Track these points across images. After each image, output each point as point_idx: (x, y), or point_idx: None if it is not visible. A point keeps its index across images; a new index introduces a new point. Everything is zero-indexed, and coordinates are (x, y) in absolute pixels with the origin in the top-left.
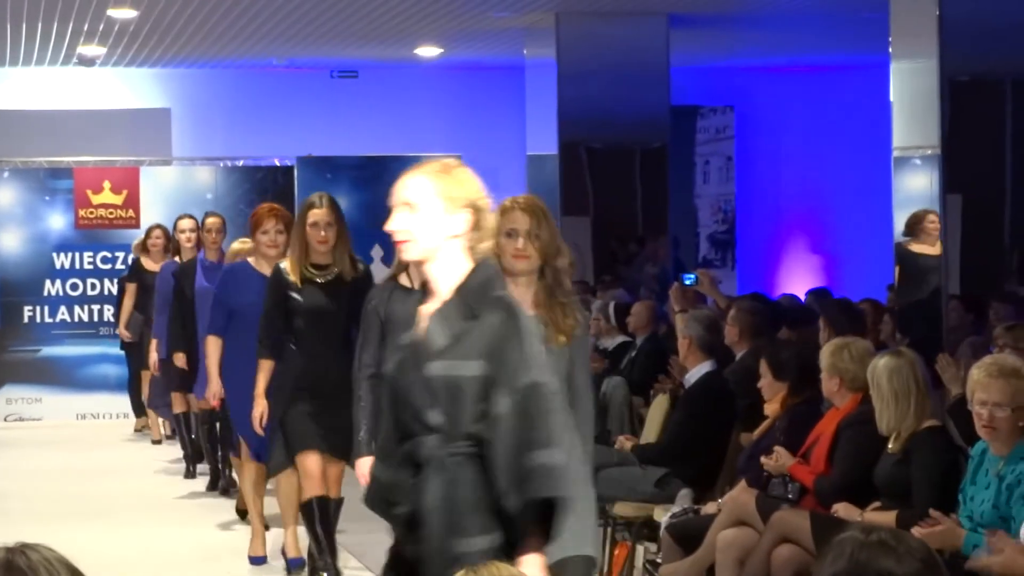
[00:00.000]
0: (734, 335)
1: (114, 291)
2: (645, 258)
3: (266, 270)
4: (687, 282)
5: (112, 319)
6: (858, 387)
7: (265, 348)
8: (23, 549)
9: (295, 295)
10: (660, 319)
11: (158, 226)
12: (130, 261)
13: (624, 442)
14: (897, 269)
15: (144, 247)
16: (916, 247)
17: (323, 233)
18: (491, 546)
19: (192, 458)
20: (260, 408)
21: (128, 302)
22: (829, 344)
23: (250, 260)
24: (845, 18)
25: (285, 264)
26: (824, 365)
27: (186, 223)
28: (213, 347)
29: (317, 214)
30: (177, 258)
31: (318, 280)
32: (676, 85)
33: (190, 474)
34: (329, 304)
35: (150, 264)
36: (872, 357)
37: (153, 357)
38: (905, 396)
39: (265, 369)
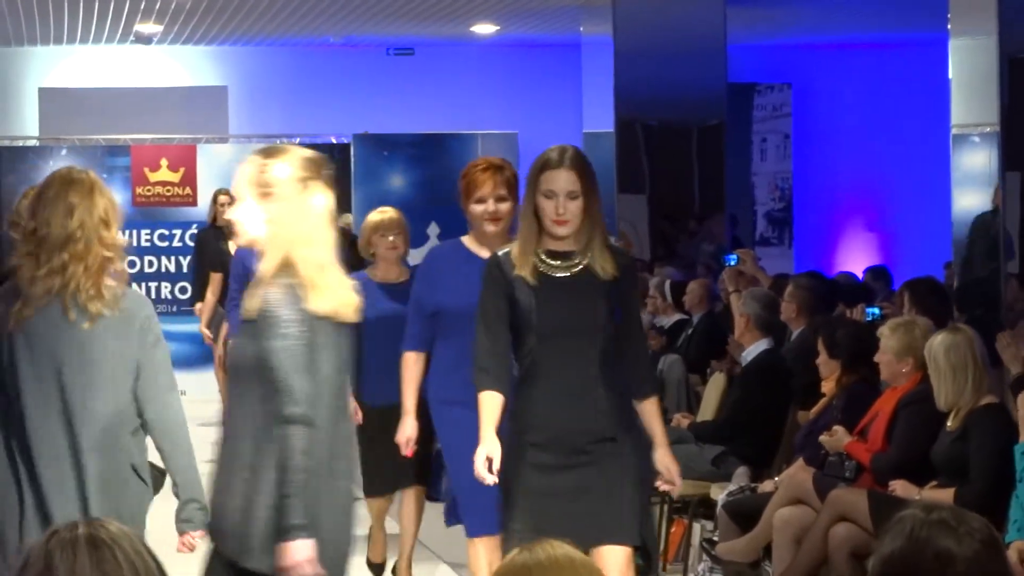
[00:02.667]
0: (791, 312)
1: (171, 268)
2: (702, 236)
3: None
4: (730, 263)
5: (169, 296)
6: (918, 366)
7: (486, 375)
8: (100, 523)
9: (523, 298)
10: (715, 297)
11: None
12: (197, 242)
13: (681, 420)
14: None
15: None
16: None
17: (563, 207)
18: None
19: None
20: (488, 449)
21: (212, 296)
22: (890, 323)
23: (464, 240)
24: None
25: (507, 251)
26: (884, 344)
27: None
28: (412, 368)
29: (554, 178)
30: None
31: (558, 275)
32: (733, 62)
33: None
34: (577, 311)
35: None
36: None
37: (220, 351)
38: (962, 371)
39: (492, 405)
